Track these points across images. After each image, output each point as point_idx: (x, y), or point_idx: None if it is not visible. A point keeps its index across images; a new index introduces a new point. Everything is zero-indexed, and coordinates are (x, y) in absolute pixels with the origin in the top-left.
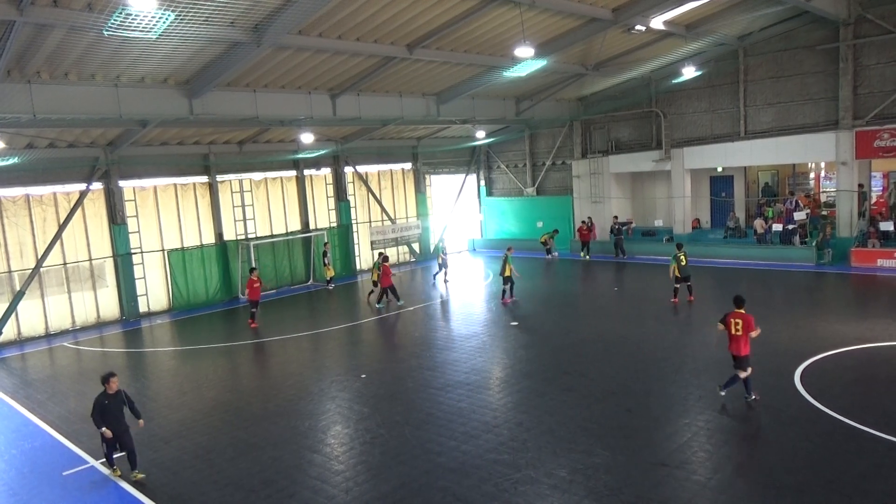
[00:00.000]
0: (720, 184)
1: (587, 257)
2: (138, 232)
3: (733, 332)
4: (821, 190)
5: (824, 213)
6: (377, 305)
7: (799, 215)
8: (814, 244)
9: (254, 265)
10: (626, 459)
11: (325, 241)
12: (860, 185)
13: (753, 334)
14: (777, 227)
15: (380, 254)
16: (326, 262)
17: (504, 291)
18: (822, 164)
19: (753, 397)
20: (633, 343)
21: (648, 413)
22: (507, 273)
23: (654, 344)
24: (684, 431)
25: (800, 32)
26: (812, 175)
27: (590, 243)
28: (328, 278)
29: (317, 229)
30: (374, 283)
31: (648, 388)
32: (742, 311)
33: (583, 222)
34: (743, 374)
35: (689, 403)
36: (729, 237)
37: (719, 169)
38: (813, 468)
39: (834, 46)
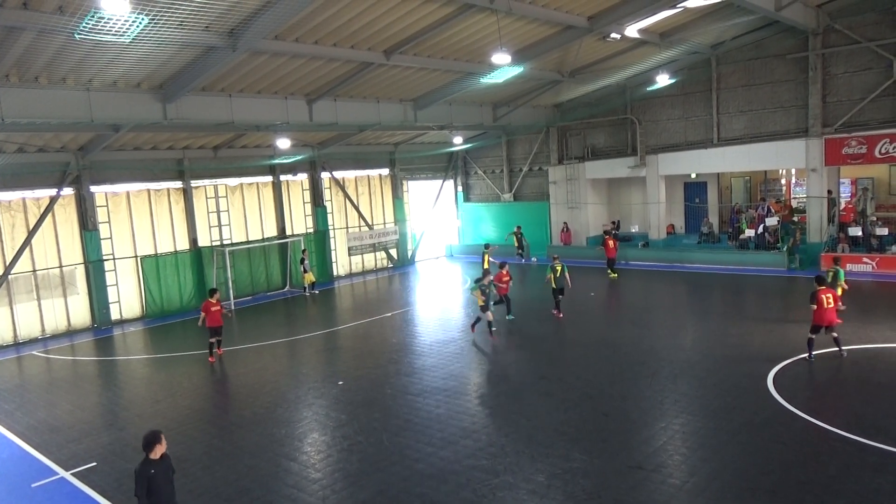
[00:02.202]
0: (694, 190)
1: (614, 275)
2: (110, 238)
3: (826, 305)
4: (792, 196)
5: (795, 218)
6: (508, 317)
7: (770, 221)
8: (784, 249)
9: (214, 286)
10: (603, 463)
11: (303, 248)
12: (829, 192)
13: (841, 306)
14: (750, 232)
15: (485, 271)
16: (304, 268)
17: (558, 303)
18: (793, 171)
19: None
20: (610, 347)
21: (625, 417)
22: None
23: (631, 348)
24: (660, 435)
25: (771, 42)
26: (783, 181)
27: (615, 258)
28: (306, 285)
29: (293, 235)
30: (483, 308)
31: (625, 391)
32: (825, 287)
33: (605, 232)
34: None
35: (666, 407)
36: (703, 242)
37: (693, 175)
38: (786, 470)
39: (803, 55)
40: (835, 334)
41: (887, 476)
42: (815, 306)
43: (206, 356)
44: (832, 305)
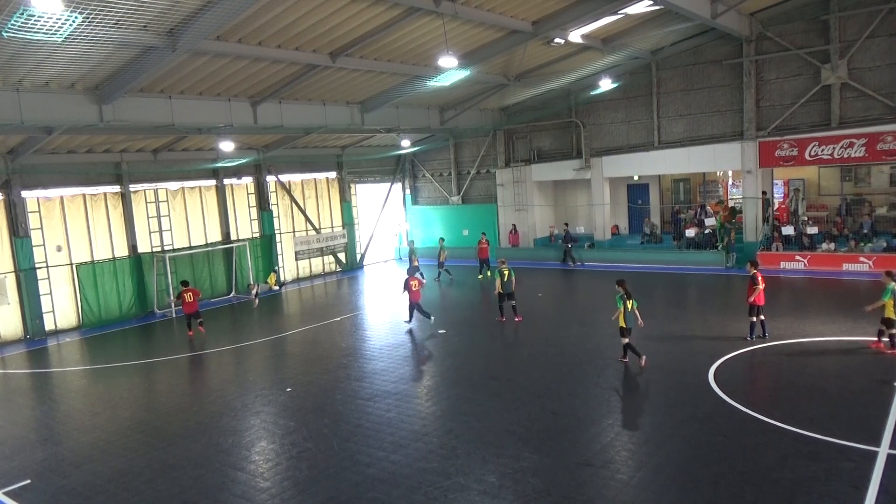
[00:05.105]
0: (637, 191)
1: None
2: (43, 245)
3: (762, 285)
4: (729, 197)
5: (733, 219)
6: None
7: (709, 221)
8: (721, 247)
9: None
10: (553, 461)
11: (276, 273)
12: (764, 193)
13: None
14: (690, 232)
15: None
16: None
17: (514, 308)
18: (730, 173)
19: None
20: (558, 347)
21: (573, 415)
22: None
23: (578, 347)
24: (608, 432)
25: (707, 48)
26: (721, 183)
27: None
28: (273, 286)
29: (238, 240)
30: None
31: (573, 390)
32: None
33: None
34: None
35: (612, 404)
36: (645, 243)
37: (636, 177)
38: (726, 461)
39: (738, 62)
40: (762, 317)
41: (821, 464)
42: (756, 286)
43: (147, 365)
44: (761, 287)
